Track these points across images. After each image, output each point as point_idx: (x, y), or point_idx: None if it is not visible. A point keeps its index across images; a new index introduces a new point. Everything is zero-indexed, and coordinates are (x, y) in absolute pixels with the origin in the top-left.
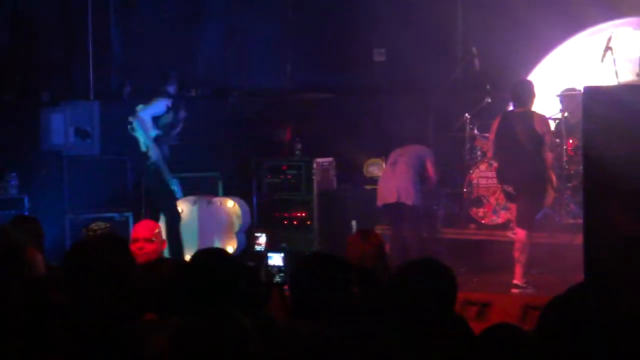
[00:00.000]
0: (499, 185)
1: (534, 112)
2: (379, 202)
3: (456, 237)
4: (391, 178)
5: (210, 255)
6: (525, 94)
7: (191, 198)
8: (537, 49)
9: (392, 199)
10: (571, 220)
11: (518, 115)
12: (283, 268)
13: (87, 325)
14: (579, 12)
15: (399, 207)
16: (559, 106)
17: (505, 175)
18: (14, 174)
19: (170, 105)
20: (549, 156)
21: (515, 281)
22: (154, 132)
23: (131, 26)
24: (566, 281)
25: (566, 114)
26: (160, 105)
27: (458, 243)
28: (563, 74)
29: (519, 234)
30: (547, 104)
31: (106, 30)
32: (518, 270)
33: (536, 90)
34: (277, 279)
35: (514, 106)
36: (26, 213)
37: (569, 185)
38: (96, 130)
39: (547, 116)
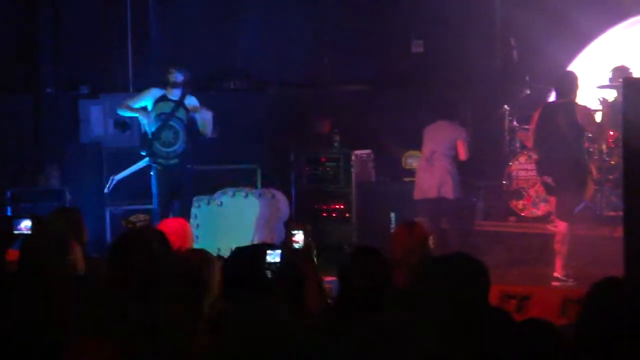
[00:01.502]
0: (539, 178)
1: (576, 104)
2: (417, 196)
3: (496, 229)
4: (430, 172)
5: (249, 252)
6: (568, 85)
7: (230, 190)
8: (577, 40)
9: (432, 193)
10: (612, 213)
11: (560, 106)
12: (278, 265)
13: (133, 314)
14: (618, 3)
15: (440, 202)
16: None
17: (546, 166)
18: (54, 166)
19: (166, 94)
20: (590, 148)
21: (555, 274)
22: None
23: (170, 18)
24: (606, 274)
25: (610, 100)
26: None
27: (498, 235)
28: (603, 65)
29: (559, 226)
30: (586, 95)
31: (145, 22)
32: (558, 262)
33: (580, 82)
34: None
35: (556, 97)
36: (67, 205)
37: (610, 177)
38: (135, 122)
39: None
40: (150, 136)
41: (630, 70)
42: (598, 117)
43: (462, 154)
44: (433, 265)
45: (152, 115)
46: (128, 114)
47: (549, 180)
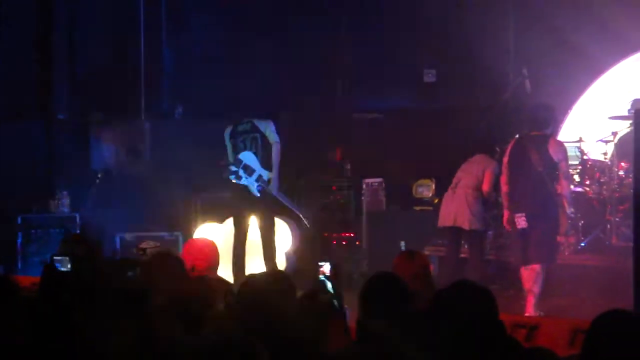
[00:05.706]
0: (513, 215)
1: (550, 137)
2: (439, 224)
3: (505, 259)
4: (451, 200)
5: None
6: (543, 117)
7: None
8: (589, 71)
9: (449, 222)
10: (622, 244)
11: (532, 139)
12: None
13: None
14: (630, 35)
15: (456, 231)
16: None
17: (517, 202)
18: (65, 192)
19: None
20: (563, 184)
21: (527, 314)
22: None
23: (182, 47)
24: (617, 305)
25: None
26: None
27: (506, 266)
28: (615, 96)
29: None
30: (598, 127)
31: (158, 50)
32: (530, 301)
33: (556, 115)
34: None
35: (528, 129)
36: (77, 231)
37: (620, 208)
38: (147, 149)
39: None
40: None
41: None
42: (609, 147)
43: (486, 184)
44: (442, 292)
45: None
46: None
47: (522, 221)
